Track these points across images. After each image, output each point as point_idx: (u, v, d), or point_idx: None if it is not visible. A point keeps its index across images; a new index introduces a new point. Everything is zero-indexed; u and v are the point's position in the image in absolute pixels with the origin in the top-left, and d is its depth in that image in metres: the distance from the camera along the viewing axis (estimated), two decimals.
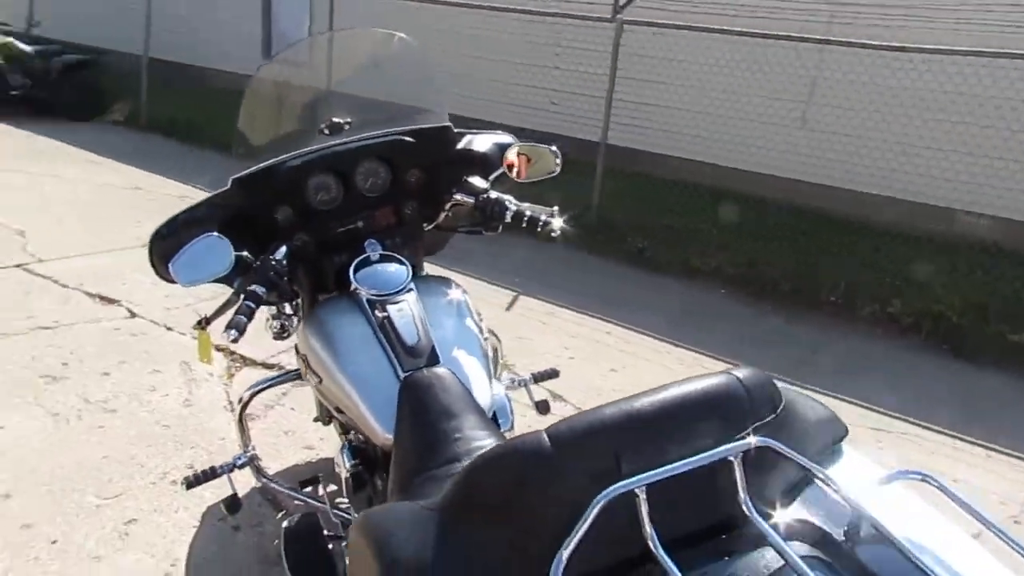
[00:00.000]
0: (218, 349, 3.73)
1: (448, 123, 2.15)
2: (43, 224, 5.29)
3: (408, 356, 1.77)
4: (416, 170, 2.12)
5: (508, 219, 2.00)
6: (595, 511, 0.83)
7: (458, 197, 2.08)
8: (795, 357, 4.42)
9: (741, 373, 1.00)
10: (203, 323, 1.94)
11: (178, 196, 5.97)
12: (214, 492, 2.49)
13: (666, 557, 0.83)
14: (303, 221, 2.00)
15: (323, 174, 2.02)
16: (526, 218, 1.98)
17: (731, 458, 0.91)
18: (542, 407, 2.44)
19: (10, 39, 9.29)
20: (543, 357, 3.99)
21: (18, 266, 4.53)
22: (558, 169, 2.16)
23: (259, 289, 1.77)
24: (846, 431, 1.11)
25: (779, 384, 1.04)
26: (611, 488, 0.85)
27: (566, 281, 5.33)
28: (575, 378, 3.72)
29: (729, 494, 0.91)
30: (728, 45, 6.52)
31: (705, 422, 0.94)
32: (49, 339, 3.65)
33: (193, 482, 2.12)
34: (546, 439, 0.92)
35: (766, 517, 0.92)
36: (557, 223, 1.97)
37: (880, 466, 1.05)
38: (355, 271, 1.94)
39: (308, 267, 2.05)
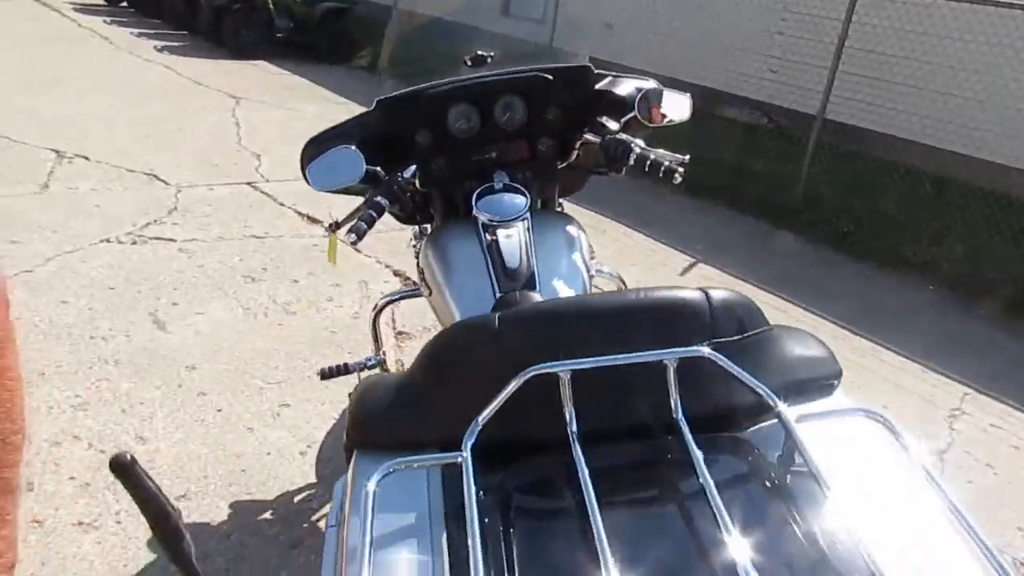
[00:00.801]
0: (395, 274, 4.05)
1: (588, 64, 2.17)
2: (278, 150, 5.93)
3: (506, 278, 1.85)
4: (554, 108, 2.17)
5: (631, 162, 1.99)
6: (514, 386, 0.87)
7: (588, 136, 2.11)
8: (995, 368, 3.97)
9: (713, 291, 0.98)
10: (333, 227, 2.13)
11: None
12: None
13: (577, 442, 0.85)
14: (440, 147, 2.12)
15: (464, 104, 2.12)
16: (649, 162, 1.96)
17: (667, 362, 0.90)
18: None
19: None
20: None
21: (248, 183, 5.15)
22: (688, 116, 2.13)
23: (383, 201, 1.92)
24: (839, 373, 1.04)
25: (785, 324, 1.00)
26: (534, 367, 0.88)
27: (755, 255, 5.13)
28: None
29: (665, 400, 0.90)
30: (988, 19, 5.80)
31: (656, 328, 0.94)
32: (257, 246, 4.14)
33: (327, 374, 2.35)
34: (496, 320, 0.96)
35: (699, 429, 0.91)
36: (680, 171, 1.94)
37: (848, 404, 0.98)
38: (478, 197, 2.04)
39: (442, 192, 2.18)
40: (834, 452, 0.86)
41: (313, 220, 4.62)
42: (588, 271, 1.99)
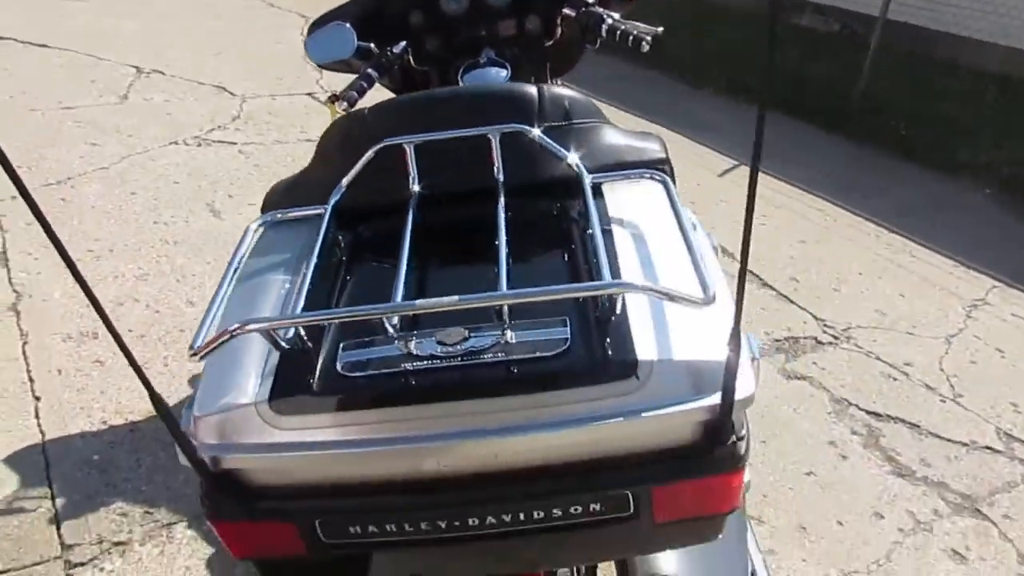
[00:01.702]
0: None
1: None
2: None
3: None
4: None
5: (603, 33, 2.13)
6: (369, 155, 1.09)
7: (566, 10, 2.24)
8: None
9: (547, 86, 1.15)
10: (332, 98, 2.36)
11: None
12: None
13: (415, 203, 1.07)
14: (432, 26, 2.30)
15: None
16: (619, 32, 2.09)
17: (491, 136, 1.09)
18: None
19: None
20: (731, 217, 4.01)
21: (308, 94, 5.44)
22: None
23: (373, 72, 2.12)
24: (665, 161, 1.20)
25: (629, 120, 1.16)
26: (386, 140, 1.09)
27: (803, 157, 5.10)
28: (753, 241, 3.71)
29: (490, 171, 1.10)
30: None
31: (491, 112, 1.13)
32: (309, 149, 4.35)
33: None
34: (366, 110, 1.18)
35: (518, 197, 1.10)
36: (648, 39, 2.07)
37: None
38: (465, 72, 2.22)
39: (437, 70, 2.37)
40: (623, 208, 1.04)
41: None
42: None
